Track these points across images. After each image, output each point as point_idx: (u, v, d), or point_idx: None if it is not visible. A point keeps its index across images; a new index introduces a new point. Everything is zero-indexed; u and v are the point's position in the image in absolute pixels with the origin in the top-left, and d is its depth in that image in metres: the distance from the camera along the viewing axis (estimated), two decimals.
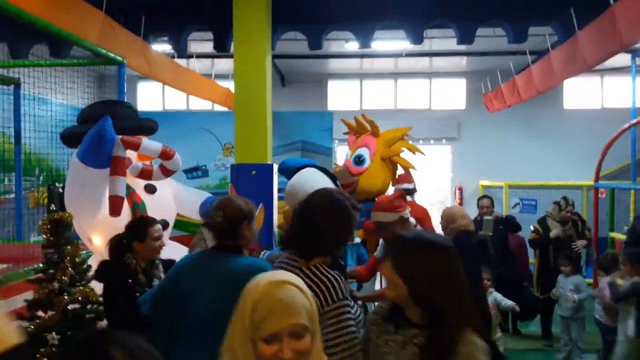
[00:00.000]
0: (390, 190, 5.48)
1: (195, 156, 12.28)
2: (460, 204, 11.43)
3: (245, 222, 2.38)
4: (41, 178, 8.49)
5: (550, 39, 7.37)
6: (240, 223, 2.36)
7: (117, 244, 2.80)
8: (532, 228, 6.15)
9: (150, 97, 12.43)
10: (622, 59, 9.62)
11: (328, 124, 11.42)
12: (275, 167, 6.08)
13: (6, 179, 6.60)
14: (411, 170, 5.64)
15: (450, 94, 12.24)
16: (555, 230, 5.86)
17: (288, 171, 4.89)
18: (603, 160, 9.49)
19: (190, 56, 9.15)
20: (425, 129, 12.04)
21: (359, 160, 5.81)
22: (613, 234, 7.08)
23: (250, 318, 1.19)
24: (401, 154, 5.78)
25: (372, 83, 12.33)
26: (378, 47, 9.09)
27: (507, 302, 4.65)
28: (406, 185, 5.35)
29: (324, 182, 4.25)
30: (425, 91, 12.24)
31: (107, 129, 3.56)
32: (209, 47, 7.58)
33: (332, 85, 12.45)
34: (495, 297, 4.72)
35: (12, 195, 6.45)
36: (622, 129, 8.97)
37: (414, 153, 5.71)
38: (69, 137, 4.20)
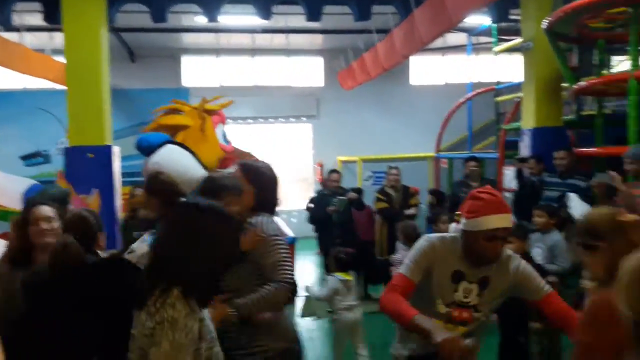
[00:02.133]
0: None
1: (34, 140, 11.02)
2: (321, 180, 11.71)
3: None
4: None
5: (394, 18, 7.70)
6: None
7: None
8: (375, 198, 6.43)
9: None
10: (460, 37, 10.43)
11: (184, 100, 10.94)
12: (116, 149, 5.65)
13: None
14: None
15: (309, 71, 12.37)
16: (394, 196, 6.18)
17: (150, 149, 4.57)
18: (443, 133, 10.32)
19: (17, 29, 8.11)
20: (285, 107, 12.08)
21: (226, 138, 5.65)
22: None
23: None
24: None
25: (229, 59, 12.01)
26: (229, 21, 8.82)
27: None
28: None
29: (190, 160, 4.25)
30: (284, 69, 12.22)
31: None
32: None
33: (187, 61, 11.90)
34: None
35: None
36: (458, 102, 9.79)
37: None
38: None
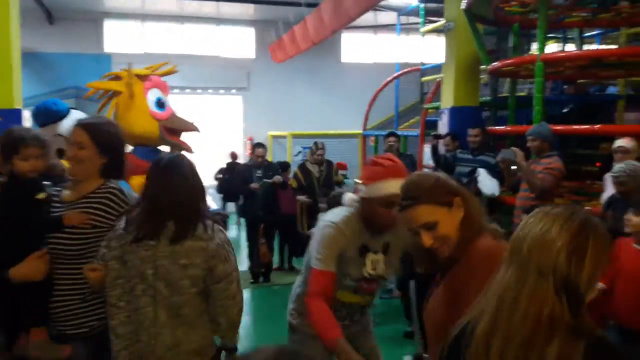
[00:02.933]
0: None
1: None
2: (251, 154, 11.61)
3: None
4: None
5: None
6: None
7: None
8: (293, 174, 6.47)
9: None
10: (391, 17, 10.58)
11: (106, 68, 10.38)
12: (26, 113, 5.35)
13: None
14: None
15: (240, 42, 12.14)
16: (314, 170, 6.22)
17: (50, 115, 4.30)
18: (370, 112, 10.52)
19: None
20: (215, 78, 11.81)
21: (161, 104, 5.36)
22: None
23: None
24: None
25: (155, 25, 11.54)
26: None
27: None
28: None
29: None
30: (213, 38, 11.92)
31: None
32: None
33: (110, 26, 11.32)
34: None
35: None
36: (385, 81, 9.98)
37: None
38: None
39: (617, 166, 3.39)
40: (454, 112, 6.26)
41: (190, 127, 4.62)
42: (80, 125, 2.13)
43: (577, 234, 1.05)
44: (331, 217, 2.18)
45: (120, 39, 11.31)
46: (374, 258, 2.15)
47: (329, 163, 6.46)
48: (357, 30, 12.07)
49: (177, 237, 1.86)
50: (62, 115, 4.03)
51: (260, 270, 6.36)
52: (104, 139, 2.10)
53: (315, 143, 6.35)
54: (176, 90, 11.64)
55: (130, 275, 1.90)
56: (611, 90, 7.60)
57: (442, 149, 5.67)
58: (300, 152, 10.55)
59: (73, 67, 10.19)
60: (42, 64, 9.81)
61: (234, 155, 9.74)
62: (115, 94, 4.77)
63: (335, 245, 2.08)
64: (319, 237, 2.11)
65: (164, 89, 5.51)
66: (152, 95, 5.33)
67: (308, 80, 11.97)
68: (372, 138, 10.36)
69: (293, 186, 6.26)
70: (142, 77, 5.33)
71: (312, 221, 6.03)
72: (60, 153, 3.16)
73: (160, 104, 5.41)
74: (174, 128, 4.81)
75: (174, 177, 1.92)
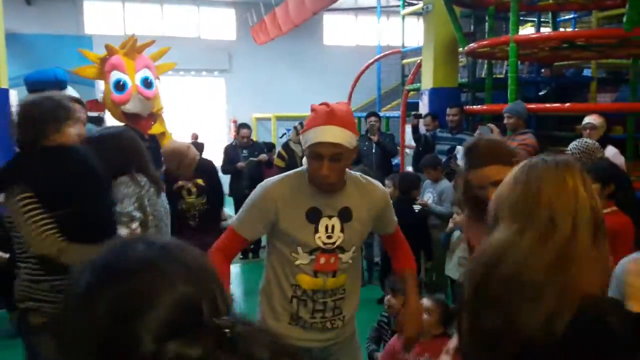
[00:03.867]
0: None
1: None
2: (235, 136, 11.69)
3: None
4: None
5: None
6: None
7: None
8: (277, 154, 6.60)
9: None
10: None
11: (87, 49, 10.34)
12: (12, 92, 5.40)
13: None
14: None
15: (221, 24, 12.13)
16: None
17: (56, 83, 4.41)
18: (352, 93, 10.65)
19: None
20: (196, 60, 11.78)
21: (147, 83, 5.41)
22: None
23: None
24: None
25: (136, 6, 11.47)
26: None
27: None
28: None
29: None
30: (194, 19, 11.89)
31: None
32: None
33: (89, 6, 11.22)
34: None
35: None
36: (367, 64, 10.11)
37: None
38: None
39: (572, 143, 3.38)
40: (434, 93, 6.45)
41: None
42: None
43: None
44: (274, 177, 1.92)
45: (100, 20, 11.22)
46: (327, 222, 1.82)
47: None
48: (338, 13, 12.14)
49: None
50: (64, 86, 4.15)
51: (249, 247, 6.53)
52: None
53: (300, 123, 6.48)
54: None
55: None
56: (587, 73, 7.86)
57: (422, 129, 5.87)
58: (284, 134, 10.64)
59: (53, 48, 10.10)
60: (19, 45, 9.70)
61: (195, 136, 10.00)
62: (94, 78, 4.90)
63: (256, 208, 1.85)
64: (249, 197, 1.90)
65: (150, 67, 5.64)
66: (141, 74, 5.47)
67: (291, 62, 12.04)
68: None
69: (280, 166, 6.38)
70: (131, 56, 5.44)
71: None
72: None
73: (147, 83, 5.52)
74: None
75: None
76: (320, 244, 1.82)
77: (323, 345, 1.94)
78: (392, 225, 2.04)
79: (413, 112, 6.01)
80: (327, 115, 1.70)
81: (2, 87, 5.24)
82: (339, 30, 12.82)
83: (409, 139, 7.14)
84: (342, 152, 1.72)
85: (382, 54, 10.07)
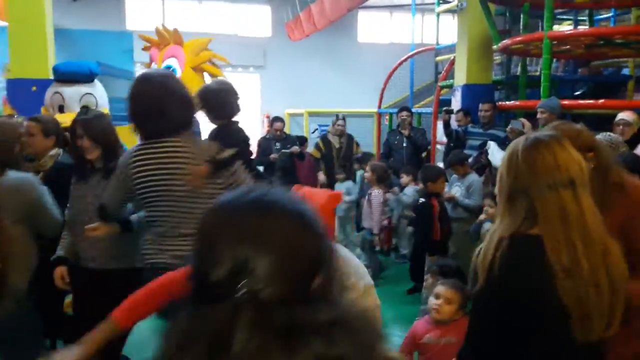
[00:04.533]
0: None
1: None
2: (269, 131, 11.88)
3: None
4: None
5: None
6: None
7: None
8: (315, 145, 6.73)
9: None
10: None
11: (128, 44, 10.69)
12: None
13: None
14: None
15: (256, 21, 12.34)
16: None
17: (90, 75, 4.70)
18: (385, 90, 10.69)
19: None
20: (232, 56, 11.93)
21: None
22: None
23: None
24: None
25: (175, 3, 11.79)
26: None
27: None
28: None
29: None
30: (230, 16, 12.13)
31: None
32: None
33: (131, 3, 11.59)
34: None
35: None
36: (400, 60, 10.14)
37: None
38: None
39: (597, 136, 3.37)
40: (467, 89, 6.45)
41: None
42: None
43: None
44: None
45: (140, 16, 11.58)
46: None
47: (350, 137, 6.70)
48: (373, 10, 12.19)
49: None
50: (92, 79, 4.48)
51: None
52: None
53: (337, 115, 6.61)
54: None
55: None
56: (626, 72, 7.71)
57: (454, 124, 5.89)
58: (316, 129, 10.79)
59: (96, 43, 10.47)
60: (65, 40, 10.08)
61: None
62: None
63: None
64: None
65: (179, 57, 5.93)
66: (168, 62, 5.77)
67: (324, 59, 12.16)
68: (387, 116, 10.56)
69: (316, 156, 6.52)
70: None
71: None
72: (65, 143, 2.98)
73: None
74: None
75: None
76: None
77: None
78: None
79: (444, 108, 6.04)
80: None
81: (50, 78, 5.53)
82: (374, 28, 12.87)
83: (441, 135, 7.17)
84: None
85: (415, 51, 10.09)
